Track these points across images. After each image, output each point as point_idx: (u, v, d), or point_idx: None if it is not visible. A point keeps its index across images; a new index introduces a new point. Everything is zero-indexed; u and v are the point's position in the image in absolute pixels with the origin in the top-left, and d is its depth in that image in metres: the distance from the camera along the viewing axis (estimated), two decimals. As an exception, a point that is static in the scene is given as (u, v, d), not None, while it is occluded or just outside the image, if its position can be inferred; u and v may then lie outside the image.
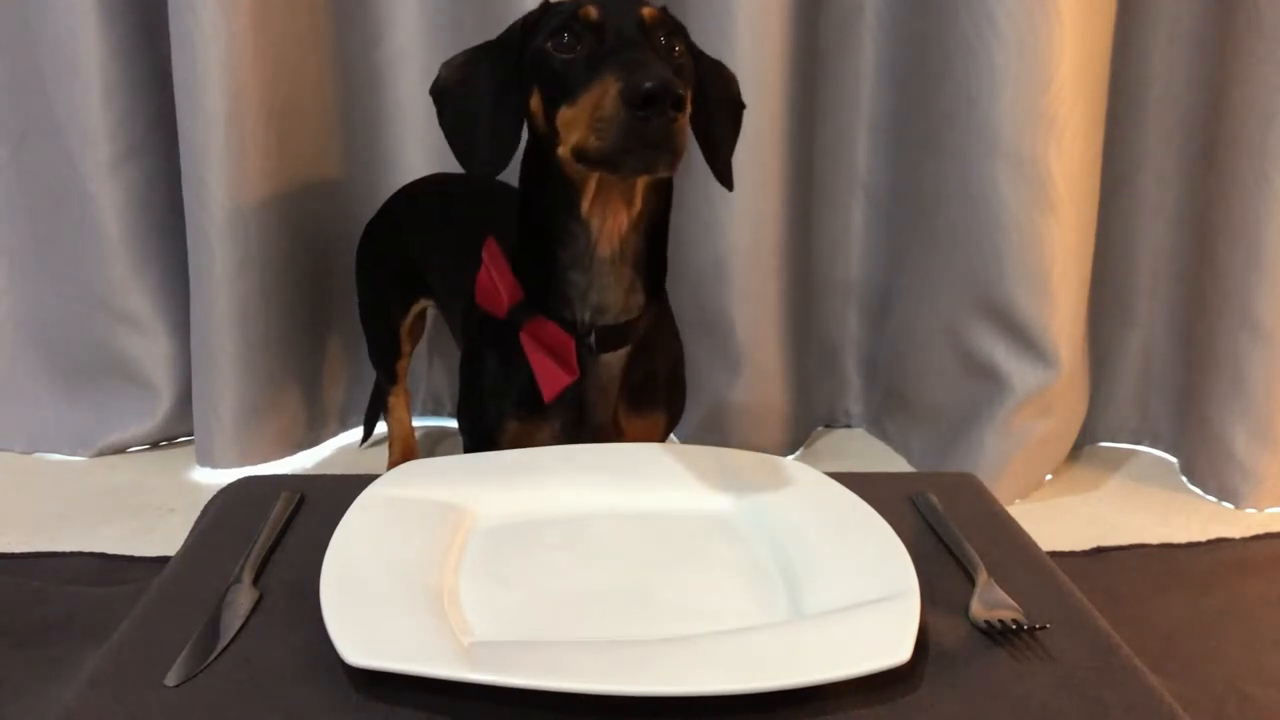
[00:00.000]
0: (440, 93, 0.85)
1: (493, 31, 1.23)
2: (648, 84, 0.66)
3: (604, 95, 0.71)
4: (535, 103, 0.80)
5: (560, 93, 0.77)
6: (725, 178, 0.86)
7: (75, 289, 1.48)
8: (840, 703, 0.54)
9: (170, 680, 0.55)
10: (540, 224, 0.85)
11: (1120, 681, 0.56)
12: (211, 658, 0.57)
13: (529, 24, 0.82)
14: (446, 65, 0.86)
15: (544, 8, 0.82)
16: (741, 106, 0.90)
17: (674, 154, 0.70)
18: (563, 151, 0.78)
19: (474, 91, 0.83)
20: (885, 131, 1.49)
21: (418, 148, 1.46)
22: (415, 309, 1.33)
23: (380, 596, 0.60)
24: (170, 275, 1.48)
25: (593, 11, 0.76)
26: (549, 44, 0.77)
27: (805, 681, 0.52)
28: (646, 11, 0.77)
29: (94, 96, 1.38)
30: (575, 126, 0.75)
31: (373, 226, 1.36)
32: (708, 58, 0.88)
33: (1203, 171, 1.37)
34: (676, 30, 0.80)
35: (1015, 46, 1.22)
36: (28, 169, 1.45)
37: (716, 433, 1.48)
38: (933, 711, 0.54)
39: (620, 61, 0.71)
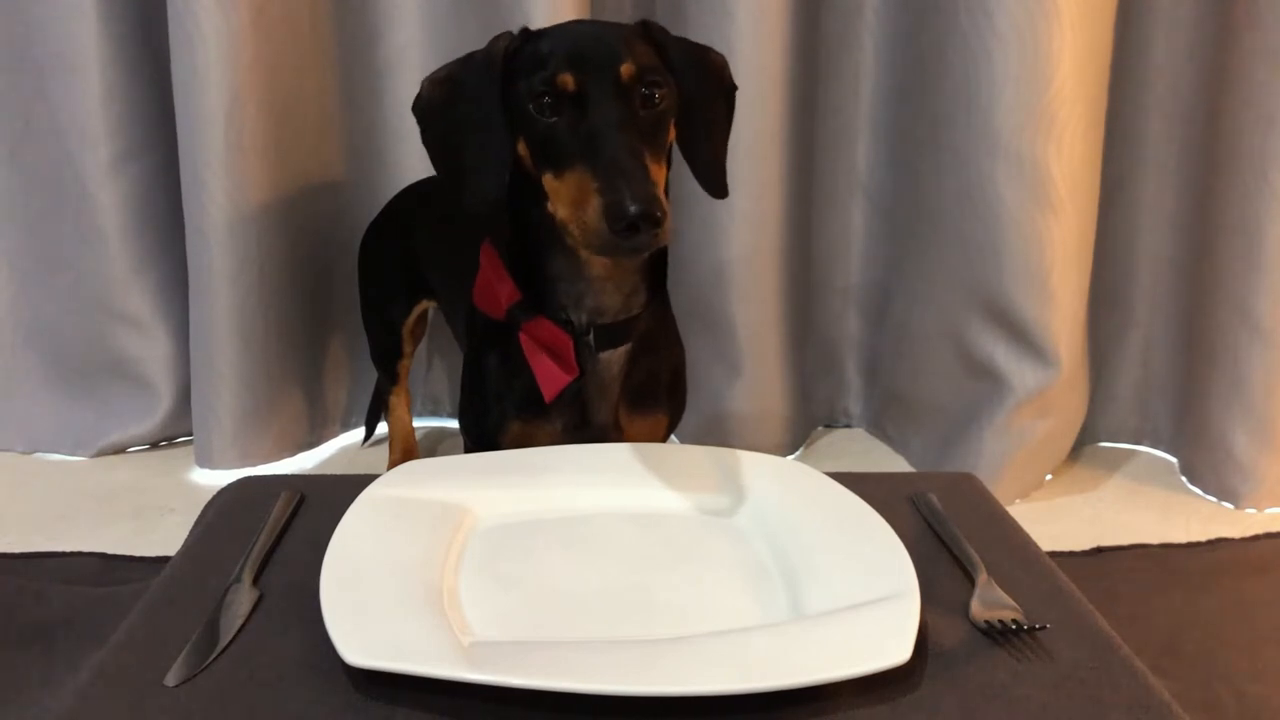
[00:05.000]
0: (423, 111, 0.85)
1: (491, 33, 1.22)
2: (631, 209, 0.68)
3: (585, 195, 0.71)
4: (522, 148, 0.80)
5: (544, 159, 0.77)
6: (716, 185, 0.84)
7: (75, 289, 1.48)
8: (840, 703, 0.54)
9: (170, 680, 0.55)
10: (530, 237, 0.85)
11: (1120, 681, 0.56)
12: (211, 658, 0.57)
13: (510, 54, 0.80)
14: (429, 81, 0.85)
15: (524, 35, 0.81)
16: (733, 89, 0.89)
17: (656, 246, 0.72)
18: (550, 209, 0.78)
19: (457, 117, 0.82)
20: (885, 131, 1.49)
21: (418, 148, 1.45)
22: (417, 309, 1.33)
23: (380, 596, 0.60)
24: (170, 275, 1.48)
25: (570, 82, 0.75)
26: (530, 105, 0.76)
27: (805, 681, 0.52)
28: (624, 70, 0.75)
29: (94, 96, 1.38)
30: (559, 202, 0.76)
31: (375, 227, 1.36)
32: (694, 48, 0.86)
33: (1203, 171, 1.37)
34: (655, 71, 0.78)
35: (1015, 46, 1.22)
36: (28, 169, 1.45)
37: (717, 433, 1.48)
38: (933, 711, 0.54)
39: (602, 158, 0.71)
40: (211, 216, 1.32)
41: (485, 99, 0.80)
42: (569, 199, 0.74)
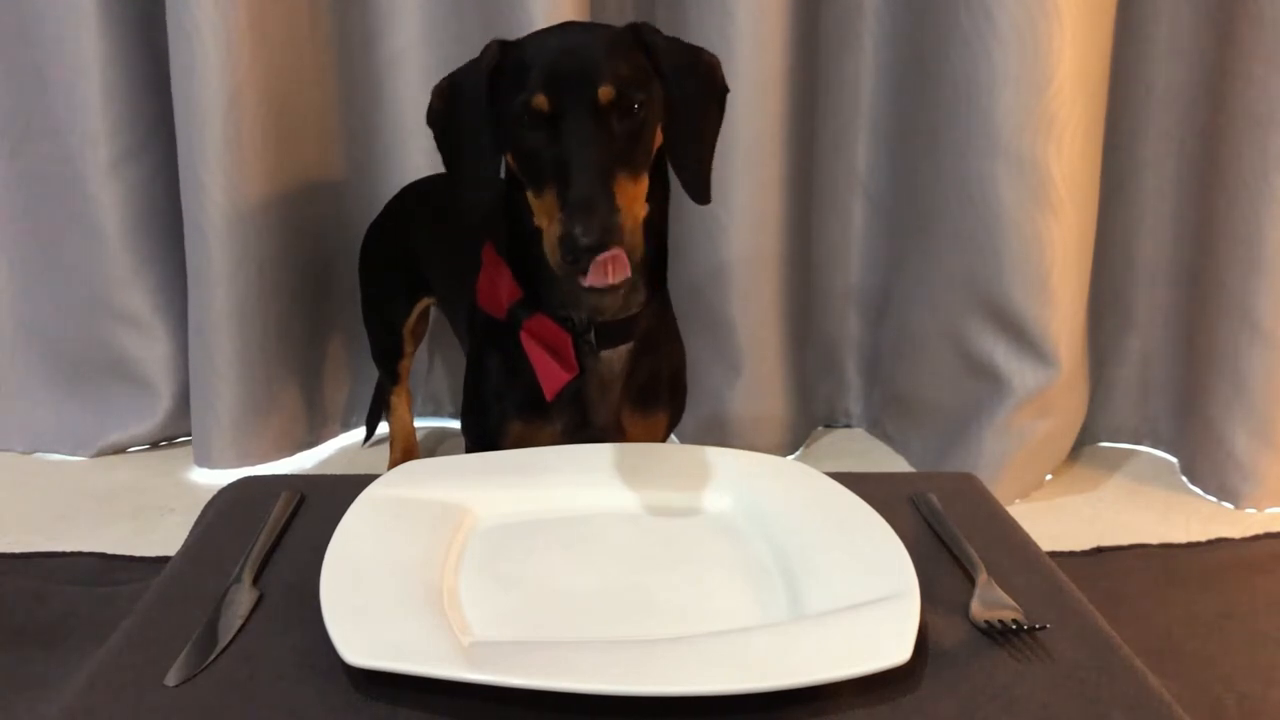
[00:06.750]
0: (431, 120, 0.86)
1: (491, 33, 1.21)
2: (582, 242, 0.69)
3: (554, 220, 0.72)
4: (509, 159, 0.81)
5: (525, 175, 0.78)
6: (700, 191, 0.83)
7: (75, 289, 1.48)
8: (840, 703, 0.54)
9: (170, 680, 0.55)
10: (527, 239, 0.84)
11: (1120, 681, 0.56)
12: (211, 658, 0.57)
13: (493, 70, 0.80)
14: (435, 91, 0.86)
15: (504, 49, 0.81)
16: (725, 91, 0.88)
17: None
18: (535, 223, 0.78)
19: (456, 126, 0.84)
20: (885, 131, 1.49)
21: (417, 148, 1.46)
22: (418, 308, 1.33)
23: (380, 596, 0.60)
24: (170, 275, 1.48)
25: (544, 103, 0.75)
26: (511, 123, 0.77)
27: (805, 681, 0.52)
28: (602, 93, 0.74)
29: (94, 96, 1.38)
30: (541, 218, 0.76)
31: (376, 226, 1.36)
32: (687, 50, 0.85)
33: (1203, 172, 1.37)
34: (637, 84, 0.76)
35: (1015, 46, 1.22)
36: (28, 169, 1.45)
37: (717, 433, 1.48)
38: (933, 711, 0.54)
39: (569, 186, 0.72)
40: (211, 216, 1.32)
41: (475, 111, 0.81)
42: (545, 219, 0.75)
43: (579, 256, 0.69)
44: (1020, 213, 1.28)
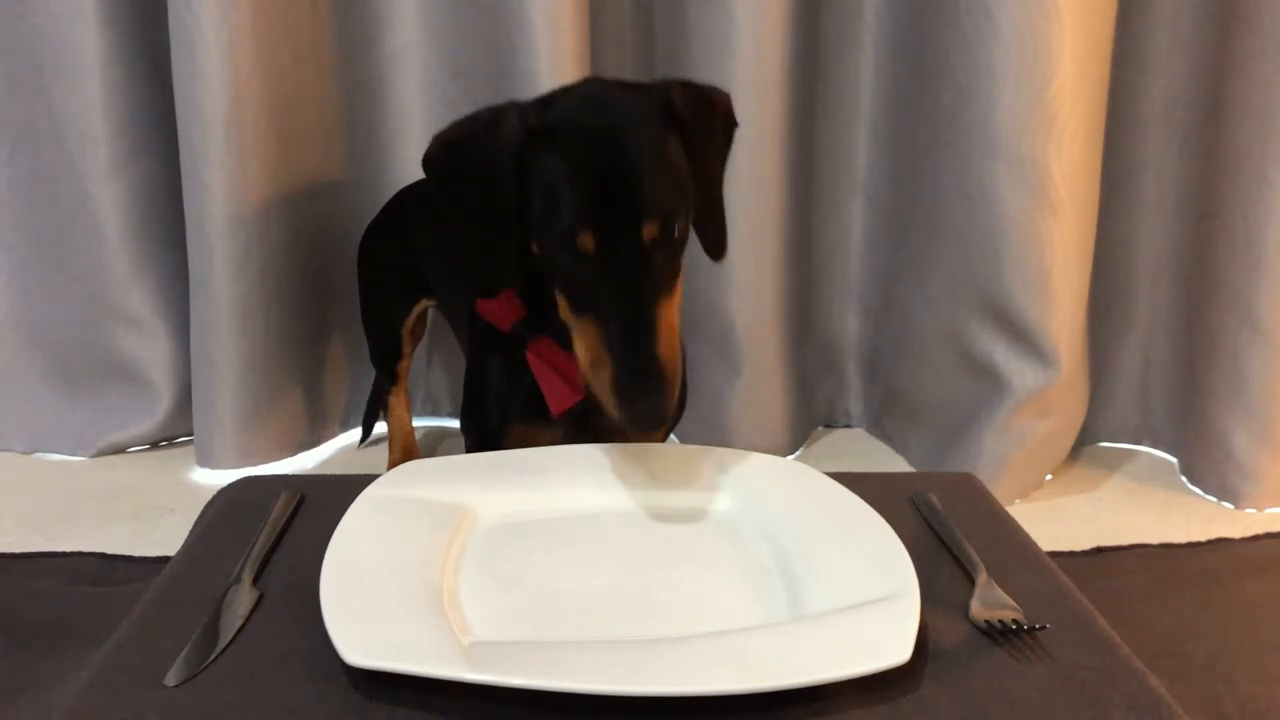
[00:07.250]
0: (433, 171, 0.83)
1: (492, 33, 1.20)
2: (640, 402, 0.70)
3: (599, 358, 0.72)
4: (535, 248, 0.77)
5: (556, 282, 0.76)
6: (720, 247, 0.84)
7: (75, 289, 1.48)
8: (840, 703, 0.54)
9: (170, 680, 0.55)
10: (541, 281, 0.82)
11: (1120, 681, 0.56)
12: (211, 658, 0.57)
13: (522, 149, 0.74)
14: (438, 142, 0.82)
15: (531, 131, 0.75)
16: (734, 125, 0.87)
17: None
18: (564, 320, 0.77)
19: (467, 192, 0.79)
20: (885, 131, 1.49)
21: (417, 148, 1.45)
22: (417, 309, 1.34)
23: (380, 596, 0.60)
24: (170, 276, 1.48)
25: (589, 244, 0.72)
26: (543, 239, 0.75)
27: (805, 681, 0.52)
28: (646, 233, 0.72)
29: (94, 97, 1.38)
30: (571, 330, 0.76)
31: (375, 226, 1.36)
32: (700, 99, 0.82)
33: (1203, 171, 1.37)
34: (675, 199, 0.74)
35: (1015, 46, 1.22)
36: (28, 169, 1.45)
37: (716, 433, 1.48)
38: (933, 711, 0.54)
39: (615, 333, 0.71)
40: (212, 216, 1.32)
41: (494, 185, 0.76)
42: (582, 343, 0.75)
43: (636, 416, 0.70)
44: (1020, 213, 1.28)
